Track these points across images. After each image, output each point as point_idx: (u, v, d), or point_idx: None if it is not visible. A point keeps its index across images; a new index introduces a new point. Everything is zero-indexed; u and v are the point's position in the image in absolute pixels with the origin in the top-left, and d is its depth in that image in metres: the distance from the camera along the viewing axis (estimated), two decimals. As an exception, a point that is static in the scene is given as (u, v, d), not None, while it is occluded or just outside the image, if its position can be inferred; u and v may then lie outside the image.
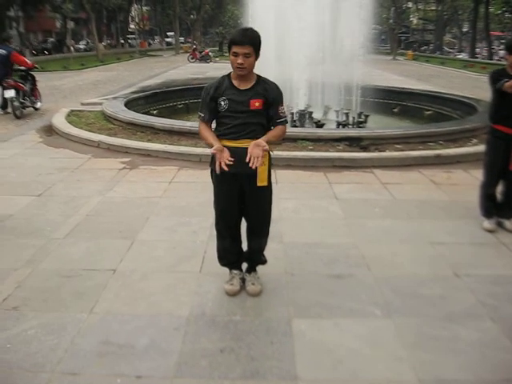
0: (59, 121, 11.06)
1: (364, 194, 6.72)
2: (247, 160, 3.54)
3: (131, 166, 8.05)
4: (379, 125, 11.77)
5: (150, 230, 5.48)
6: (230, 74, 3.82)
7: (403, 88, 16.51)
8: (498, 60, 43.81)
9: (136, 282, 4.35)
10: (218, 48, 51.80)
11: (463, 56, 53.54)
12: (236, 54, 3.58)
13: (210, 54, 41.25)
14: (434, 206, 6.26)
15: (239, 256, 4.26)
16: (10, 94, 12.19)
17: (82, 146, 9.34)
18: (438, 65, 38.87)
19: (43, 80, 17.95)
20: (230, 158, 3.57)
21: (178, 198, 6.50)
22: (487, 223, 5.56)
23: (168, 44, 70.54)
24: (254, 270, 4.27)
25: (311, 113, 11.69)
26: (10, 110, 12.73)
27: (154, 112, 12.98)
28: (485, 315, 3.90)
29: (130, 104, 12.35)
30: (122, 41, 67.26)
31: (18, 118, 12.42)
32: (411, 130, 9.82)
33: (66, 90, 18.62)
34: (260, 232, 4.13)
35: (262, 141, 3.61)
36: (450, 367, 3.29)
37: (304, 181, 7.26)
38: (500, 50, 55.55)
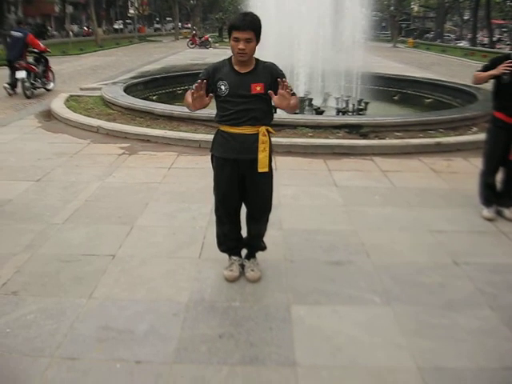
0: (58, 106, 11.02)
1: (364, 181, 6.71)
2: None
3: (130, 151, 8.02)
4: (379, 112, 11.75)
5: (149, 216, 5.46)
6: (230, 58, 3.79)
7: (403, 75, 16.47)
8: (499, 48, 43.69)
9: (135, 268, 4.34)
10: (217, 34, 51.61)
11: (464, 44, 53.33)
12: (237, 40, 3.55)
13: (210, 39, 41.08)
14: (434, 194, 6.25)
15: (238, 242, 4.26)
16: (21, 75, 12.96)
17: (80, 131, 9.31)
18: (438, 53, 38.74)
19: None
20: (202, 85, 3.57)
21: (178, 183, 6.49)
22: (486, 212, 5.55)
23: (156, 30, 70.16)
24: (254, 256, 4.27)
25: (311, 99, 11.66)
26: (19, 90, 13.44)
27: (154, 97, 12.94)
28: (484, 303, 3.90)
29: (129, 89, 12.29)
30: (117, 26, 66.44)
31: (28, 97, 13.12)
32: (411, 117, 9.80)
33: (64, 75, 18.51)
34: (260, 218, 4.12)
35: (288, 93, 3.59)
36: (449, 355, 3.30)
37: (304, 167, 7.24)
38: (501, 38, 55.45)
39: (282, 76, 3.67)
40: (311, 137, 8.45)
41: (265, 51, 11.56)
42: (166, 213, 5.54)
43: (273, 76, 3.69)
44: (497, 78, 5.28)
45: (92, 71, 20.10)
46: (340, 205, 5.86)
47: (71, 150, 8.08)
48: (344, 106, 11.75)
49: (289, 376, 3.06)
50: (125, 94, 11.47)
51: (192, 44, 40.07)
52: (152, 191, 6.19)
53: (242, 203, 4.09)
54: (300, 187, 6.37)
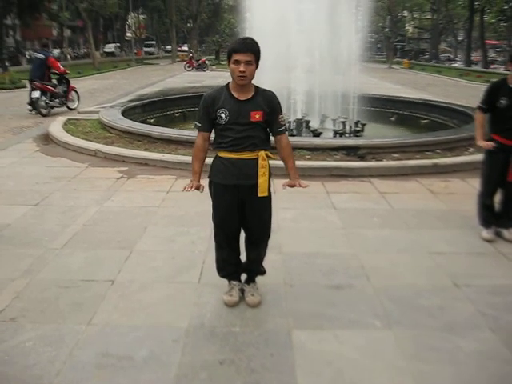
0: (56, 129, 11.05)
1: (362, 203, 6.72)
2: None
3: (128, 175, 8.03)
4: (376, 133, 11.79)
5: (148, 240, 5.46)
6: (228, 84, 3.82)
7: (400, 97, 16.56)
8: (494, 68, 44.05)
9: (134, 293, 4.33)
10: (214, 56, 51.88)
11: (458, 64, 53.76)
12: (237, 62, 3.58)
13: (207, 62, 41.32)
14: (432, 216, 6.26)
15: (238, 267, 4.25)
16: (35, 94, 13.91)
17: (78, 155, 9.32)
18: (433, 73, 39.00)
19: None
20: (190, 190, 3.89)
21: (176, 207, 6.49)
22: (485, 233, 5.56)
23: (149, 53, 70.47)
24: (253, 281, 4.26)
25: (308, 121, 11.71)
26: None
27: (151, 121, 12.97)
28: (484, 325, 3.89)
29: (126, 112, 12.34)
30: (109, 50, 66.15)
31: (43, 116, 13.97)
32: (408, 139, 9.84)
33: (62, 99, 18.57)
34: (259, 243, 4.12)
35: (298, 181, 4.01)
36: (450, 379, 3.29)
37: (302, 190, 7.10)
38: (496, 59, 55.94)
39: (279, 111, 3.84)
40: (309, 159, 8.47)
41: (262, 74, 11.70)
42: (165, 237, 5.53)
43: (272, 107, 3.78)
44: (494, 102, 5.34)
45: (90, 94, 20.15)
46: (339, 227, 5.86)
47: (69, 173, 8.08)
48: (341, 127, 11.78)
49: (290, 402, 3.04)
50: (123, 117, 11.51)
51: (189, 67, 40.29)
52: (151, 215, 6.19)
53: (240, 228, 4.09)
54: (299, 210, 6.38)
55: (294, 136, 11.02)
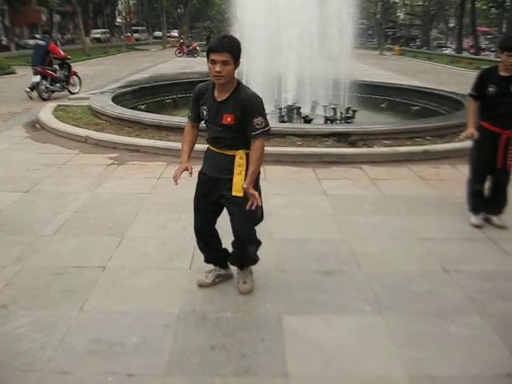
0: (46, 116, 10.97)
1: (353, 189, 6.74)
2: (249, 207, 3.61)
3: (119, 161, 8.01)
4: (367, 120, 11.82)
5: (139, 227, 5.45)
6: None
7: (390, 83, 16.56)
8: (485, 55, 44.08)
9: (126, 279, 4.33)
10: (205, 42, 51.61)
11: (450, 51, 53.80)
12: (214, 62, 3.49)
13: (198, 48, 41.13)
14: (423, 202, 6.29)
15: (219, 255, 4.25)
16: (35, 79, 14.44)
17: (69, 142, 9.28)
18: (425, 60, 39.03)
19: (29, 74, 17.80)
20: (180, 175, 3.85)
21: (168, 193, 6.47)
22: (474, 219, 5.60)
23: (136, 39, 69.46)
24: (246, 267, 4.21)
25: (299, 108, 11.70)
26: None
27: (142, 107, 12.90)
28: (474, 311, 3.93)
29: (117, 99, 12.28)
30: (97, 35, 65.27)
31: (44, 99, 14.28)
32: (399, 125, 9.86)
33: (52, 85, 18.46)
34: (242, 239, 3.97)
35: (247, 188, 3.61)
36: (440, 363, 3.32)
37: (293, 176, 7.26)
38: (487, 45, 55.97)
39: (254, 114, 3.58)
40: (300, 145, 8.48)
41: (253, 60, 11.67)
42: (156, 223, 5.53)
43: (244, 111, 3.60)
44: (483, 89, 5.36)
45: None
46: (330, 214, 5.88)
47: (60, 160, 8.05)
48: (332, 114, 11.79)
49: (281, 387, 3.07)
50: (113, 103, 11.45)
51: (180, 53, 40.10)
52: (142, 202, 6.18)
53: (212, 224, 4.08)
54: (289, 196, 6.39)
55: (284, 122, 11.03)
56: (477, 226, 5.54)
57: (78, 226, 5.44)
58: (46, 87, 14.73)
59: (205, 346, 3.45)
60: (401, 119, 12.15)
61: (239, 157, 3.71)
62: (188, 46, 41.23)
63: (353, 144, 8.67)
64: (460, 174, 7.39)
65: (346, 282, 4.34)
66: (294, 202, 6.23)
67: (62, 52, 15.37)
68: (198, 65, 27.68)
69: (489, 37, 68.98)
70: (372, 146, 8.56)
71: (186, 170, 3.84)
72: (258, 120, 3.58)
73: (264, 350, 3.40)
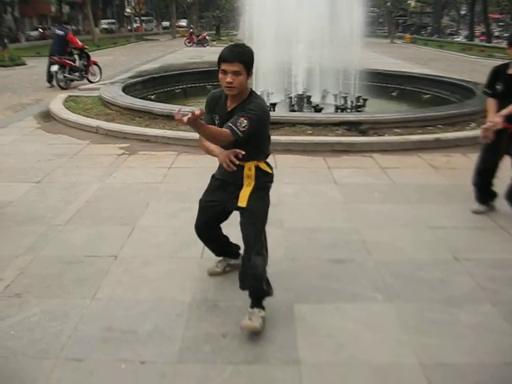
0: (57, 107, 11.03)
1: (363, 178, 6.74)
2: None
3: (130, 151, 8.04)
4: (377, 109, 11.78)
5: (150, 216, 5.49)
6: None
7: (401, 71, 16.47)
8: (497, 42, 43.68)
9: (138, 268, 4.37)
10: (214, 32, 51.50)
11: (461, 39, 53.38)
12: (225, 72, 3.29)
13: (207, 37, 41.04)
14: (433, 191, 6.28)
15: (226, 251, 4.26)
16: (54, 68, 14.88)
17: (80, 132, 9.32)
18: (436, 48, 38.74)
19: (39, 65, 17.91)
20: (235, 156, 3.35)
21: (178, 183, 6.51)
22: (476, 205, 5.64)
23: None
24: (257, 305, 3.62)
25: (309, 97, 11.68)
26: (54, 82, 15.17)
27: (152, 97, 12.95)
28: (484, 299, 3.93)
29: (127, 89, 12.30)
30: (106, 26, 64.72)
31: (62, 88, 14.69)
32: (410, 114, 9.82)
33: (62, 76, 18.52)
34: (248, 247, 3.61)
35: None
36: (450, 351, 3.32)
37: (303, 165, 7.27)
38: (500, 32, 55.42)
39: (248, 116, 3.28)
40: (310, 134, 8.47)
41: (263, 49, 11.64)
42: (168, 213, 5.56)
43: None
44: (494, 86, 5.30)
45: (90, 71, 20.09)
46: (340, 202, 5.89)
47: (71, 150, 8.09)
48: (342, 102, 11.76)
49: (293, 374, 3.09)
50: (123, 93, 11.48)
51: (189, 42, 40.03)
52: (153, 191, 6.21)
53: (212, 228, 4.03)
54: (300, 185, 6.39)
55: (295, 111, 11.02)
56: (476, 212, 5.56)
57: (90, 216, 5.48)
58: (64, 76, 15.08)
59: (216, 333, 3.48)
60: (412, 108, 12.09)
61: (248, 168, 3.55)
62: (198, 36, 41.12)
63: (363, 133, 8.64)
64: (471, 162, 7.32)
65: (356, 270, 4.35)
66: (305, 190, 6.23)
67: (79, 42, 15.76)
68: (208, 54, 27.62)
69: (501, 24, 68.34)
70: (383, 135, 8.53)
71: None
72: (241, 120, 3.27)
73: (275, 338, 3.42)
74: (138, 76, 15.17)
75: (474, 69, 21.69)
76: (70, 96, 12.21)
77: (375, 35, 55.79)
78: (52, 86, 15.23)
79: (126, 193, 6.19)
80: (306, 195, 6.09)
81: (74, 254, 4.62)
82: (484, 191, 5.65)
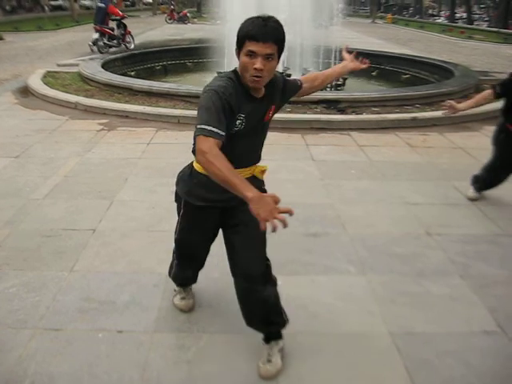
0: (35, 82, 10.92)
1: (341, 155, 6.81)
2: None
3: (109, 127, 8.03)
4: (357, 88, 11.82)
5: (129, 191, 5.52)
6: (235, 74, 2.54)
7: (381, 51, 16.50)
8: (477, 24, 43.83)
9: (115, 241, 4.41)
10: (195, 9, 50.97)
11: (442, 20, 53.44)
12: (253, 55, 2.39)
13: (188, 15, 40.61)
14: (409, 168, 6.37)
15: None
16: (94, 36, 16.67)
17: (58, 108, 9.27)
18: (417, 29, 38.76)
19: (17, 40, 17.68)
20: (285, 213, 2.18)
21: (157, 158, 6.53)
22: (471, 192, 5.57)
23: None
24: (277, 338, 3.08)
25: (289, 75, 11.66)
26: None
27: (132, 73, 12.85)
28: (454, 272, 4.04)
29: (107, 65, 12.23)
30: (86, 2, 62.99)
31: (101, 53, 16.10)
32: (388, 93, 9.90)
33: (41, 51, 18.30)
34: (258, 278, 2.88)
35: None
36: (419, 321, 3.43)
37: (282, 142, 7.32)
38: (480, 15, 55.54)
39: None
40: (289, 112, 8.50)
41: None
42: (146, 187, 5.59)
43: (285, 89, 2.85)
44: (509, 96, 5.04)
45: (69, 47, 19.84)
46: (317, 179, 5.96)
47: (50, 126, 8.06)
48: (322, 81, 11.76)
49: (266, 342, 3.16)
50: (103, 69, 11.40)
51: (170, 19, 39.58)
52: (131, 166, 6.23)
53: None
54: (278, 162, 6.44)
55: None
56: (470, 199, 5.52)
57: (68, 191, 5.49)
58: (104, 43, 16.78)
59: (192, 304, 3.54)
60: (391, 87, 12.16)
61: (259, 171, 3.05)
62: (178, 13, 40.66)
63: (342, 111, 8.71)
64: (447, 141, 7.49)
65: (331, 244, 4.44)
66: (283, 167, 6.28)
67: (120, 12, 18.05)
68: (189, 31, 27.42)
69: (482, 6, 68.51)
70: (361, 113, 8.61)
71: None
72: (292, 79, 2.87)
73: (250, 308, 3.49)
74: (118, 52, 15.08)
75: (454, 50, 21.82)
76: (48, 72, 12.08)
77: (357, 15, 55.72)
78: (93, 52, 16.46)
79: (105, 168, 6.20)
80: (284, 171, 6.14)
81: (52, 228, 4.64)
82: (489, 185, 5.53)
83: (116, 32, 17.47)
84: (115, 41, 17.41)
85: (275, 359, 2.97)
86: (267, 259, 3.01)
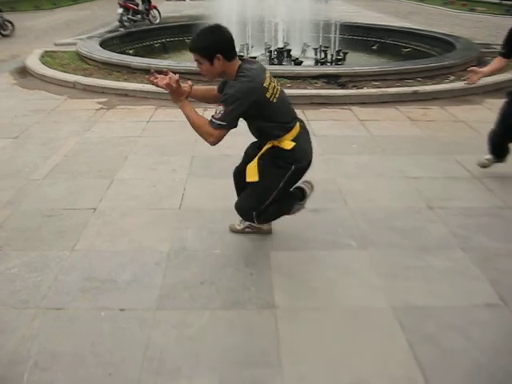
0: (33, 62, 10.83)
1: (341, 130, 6.78)
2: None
3: (108, 106, 7.99)
4: (357, 62, 11.73)
5: (129, 169, 5.50)
6: None
7: (382, 25, 16.32)
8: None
9: (116, 220, 4.41)
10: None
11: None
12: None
13: (186, -9, 40.18)
14: (410, 142, 6.34)
15: None
16: (118, 11, 17.43)
17: (57, 87, 9.20)
18: (417, 2, 38.29)
19: (14, 20, 17.54)
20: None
21: (157, 136, 6.50)
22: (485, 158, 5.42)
23: None
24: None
25: (289, 50, 11.61)
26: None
27: (130, 51, 12.75)
28: (456, 246, 4.03)
29: (105, 44, 12.11)
30: None
31: (125, 27, 16.75)
32: (389, 66, 9.80)
33: (38, 31, 18.13)
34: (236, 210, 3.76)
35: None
36: (421, 295, 3.42)
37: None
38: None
39: (223, 102, 3.16)
40: (289, 87, 8.45)
41: (243, 3, 11.51)
42: (146, 166, 5.58)
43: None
44: (506, 46, 5.04)
45: (66, 26, 19.64)
46: (318, 154, 5.88)
47: (48, 106, 8.02)
48: (322, 56, 11.71)
49: (268, 318, 3.17)
50: (101, 48, 11.31)
51: (168, -4, 39.19)
52: (131, 145, 6.21)
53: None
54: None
55: (274, 65, 10.96)
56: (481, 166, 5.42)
57: (68, 170, 5.48)
58: (128, 17, 17.55)
59: (194, 281, 3.54)
60: (392, 61, 12.06)
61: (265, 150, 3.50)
62: (177, -10, 40.24)
63: (342, 85, 8.64)
64: (448, 115, 7.43)
65: (332, 218, 4.43)
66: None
67: None
68: (187, 8, 27.09)
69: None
70: (361, 88, 8.54)
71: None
72: (218, 108, 3.17)
73: (252, 284, 3.50)
74: (116, 30, 14.97)
75: (456, 23, 21.57)
76: (46, 51, 11.97)
77: (357, -12, 54.92)
78: (121, 27, 17.06)
79: (105, 147, 6.18)
80: (285, 147, 6.10)
81: (53, 208, 4.64)
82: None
83: (140, 7, 18.35)
84: (139, 15, 18.25)
85: (242, 224, 4.09)
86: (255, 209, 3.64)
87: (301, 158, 3.52)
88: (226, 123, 3.14)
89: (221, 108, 3.13)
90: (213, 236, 4.12)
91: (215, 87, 3.55)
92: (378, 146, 6.20)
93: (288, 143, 3.40)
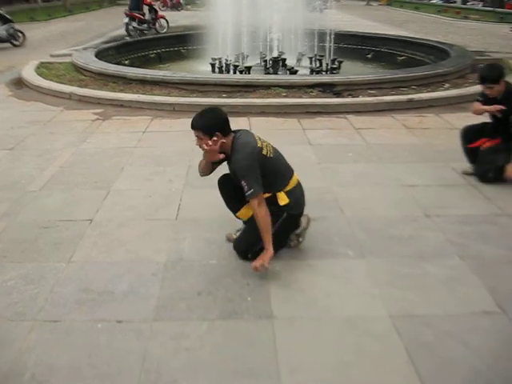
0: (29, 73, 10.84)
1: (337, 139, 6.79)
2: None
3: (104, 116, 7.99)
4: (353, 71, 11.78)
5: (125, 180, 5.49)
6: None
7: (377, 33, 16.40)
8: (472, 4, 43.51)
9: (113, 231, 4.39)
10: (189, -5, 50.59)
11: (437, 1, 53.06)
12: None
13: (182, 1, 40.31)
14: (406, 150, 6.35)
15: None
16: (124, 20, 17.50)
17: (53, 99, 9.21)
18: (412, 10, 38.53)
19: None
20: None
21: (153, 147, 6.50)
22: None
23: None
24: None
25: (284, 60, 11.63)
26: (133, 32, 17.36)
27: (126, 62, 12.76)
28: (453, 253, 4.03)
29: (100, 54, 12.12)
30: None
31: (131, 36, 16.98)
32: (384, 75, 9.85)
33: (34, 42, 18.15)
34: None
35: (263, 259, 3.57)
36: (419, 303, 3.42)
37: (278, 127, 7.29)
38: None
39: (241, 177, 3.57)
40: (285, 97, 8.47)
41: (238, 13, 11.53)
42: (142, 176, 5.57)
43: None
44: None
45: (62, 37, 19.69)
46: (314, 163, 5.94)
47: (44, 117, 8.01)
48: (318, 65, 11.74)
49: (266, 328, 3.16)
50: (96, 59, 11.31)
51: (163, 6, 39.20)
52: (127, 155, 6.20)
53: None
54: (275, 146, 6.39)
55: (270, 74, 10.98)
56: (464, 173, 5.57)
57: (65, 181, 5.47)
58: (134, 27, 17.49)
59: (191, 292, 3.53)
60: (387, 69, 12.11)
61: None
62: (172, 0, 40.39)
63: (338, 94, 8.67)
64: (444, 122, 7.46)
65: (328, 227, 4.43)
66: (280, 151, 6.23)
67: (151, 0, 18.99)
68: (182, 18, 27.18)
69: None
70: (357, 96, 8.57)
71: None
72: (243, 183, 3.55)
73: (249, 294, 3.49)
74: (112, 41, 14.93)
75: (450, 30, 21.71)
76: (42, 62, 11.98)
77: (351, -2, 55.16)
78: (127, 36, 17.14)
79: (101, 158, 6.17)
80: (281, 157, 6.11)
81: (49, 219, 4.62)
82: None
83: (147, 17, 18.33)
84: (145, 25, 18.15)
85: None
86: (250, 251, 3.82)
87: (293, 208, 3.85)
88: (254, 189, 3.52)
89: (244, 184, 3.53)
90: (210, 246, 4.11)
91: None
92: (373, 154, 6.21)
93: (283, 199, 3.78)
